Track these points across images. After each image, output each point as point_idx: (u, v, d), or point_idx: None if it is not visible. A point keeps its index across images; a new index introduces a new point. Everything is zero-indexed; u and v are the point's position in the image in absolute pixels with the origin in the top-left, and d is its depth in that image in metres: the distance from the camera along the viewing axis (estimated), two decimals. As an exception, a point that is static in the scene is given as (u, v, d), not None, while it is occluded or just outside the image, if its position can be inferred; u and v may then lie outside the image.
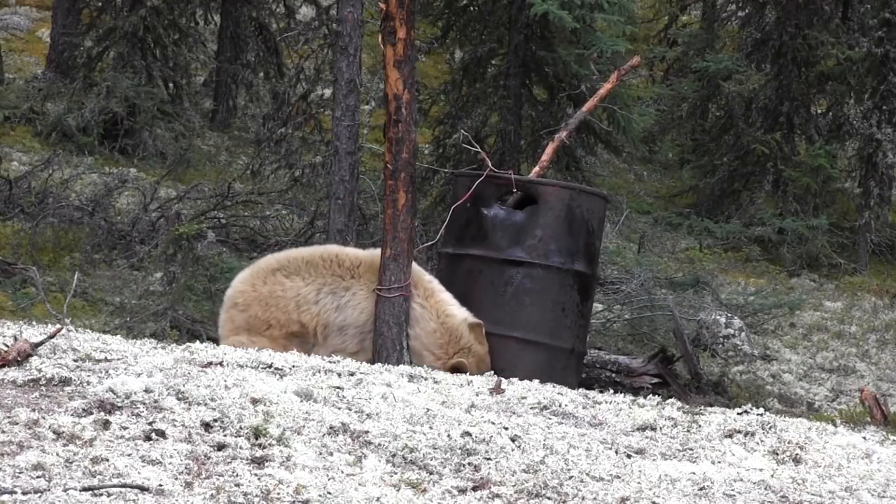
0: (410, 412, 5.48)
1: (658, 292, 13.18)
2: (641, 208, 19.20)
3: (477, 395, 6.17)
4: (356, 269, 8.14)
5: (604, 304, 12.95)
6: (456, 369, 7.82)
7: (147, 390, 5.08)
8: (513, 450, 5.10)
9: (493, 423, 5.45)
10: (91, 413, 4.79)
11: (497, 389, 6.33)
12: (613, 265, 14.15)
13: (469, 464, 4.86)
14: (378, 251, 8.22)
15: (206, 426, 4.82)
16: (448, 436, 5.13)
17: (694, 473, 5.04)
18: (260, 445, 4.70)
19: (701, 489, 4.85)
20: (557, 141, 9.33)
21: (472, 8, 15.22)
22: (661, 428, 5.86)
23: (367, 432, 5.04)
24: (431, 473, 4.71)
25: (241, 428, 4.83)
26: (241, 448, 4.63)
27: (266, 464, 4.50)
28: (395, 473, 4.61)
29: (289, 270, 8.17)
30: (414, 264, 8.10)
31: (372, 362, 7.41)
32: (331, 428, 5.04)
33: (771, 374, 12.88)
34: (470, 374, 7.61)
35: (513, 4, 14.37)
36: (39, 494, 3.93)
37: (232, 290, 8.27)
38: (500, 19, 14.76)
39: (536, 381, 6.89)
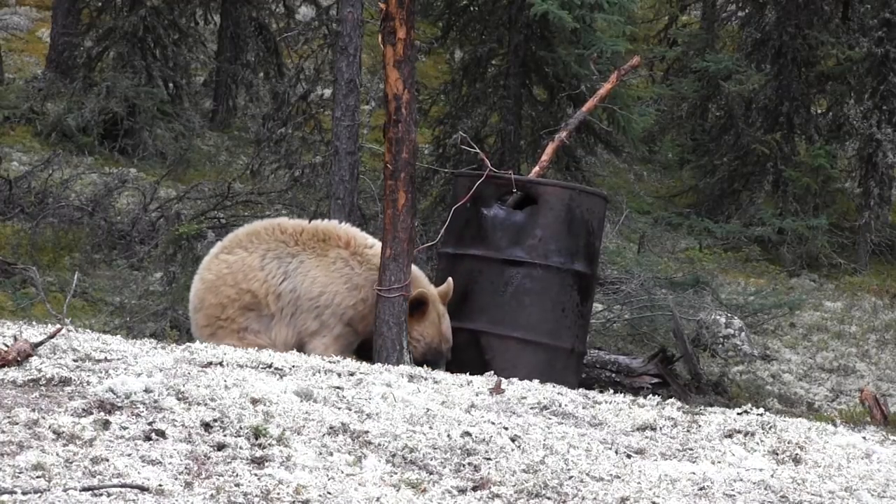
0: (410, 412, 5.48)
1: (658, 292, 13.19)
2: (641, 208, 19.20)
3: (477, 395, 6.17)
4: (299, 236, 8.02)
5: (604, 304, 12.95)
6: (417, 301, 7.84)
7: (147, 390, 5.08)
8: (513, 450, 5.10)
9: (493, 423, 5.45)
10: (91, 413, 4.79)
11: (497, 389, 6.33)
12: (613, 265, 14.15)
13: (469, 464, 4.86)
14: (322, 222, 8.21)
15: (206, 426, 4.82)
16: (448, 436, 5.13)
17: (694, 473, 5.04)
18: (260, 445, 4.70)
19: (701, 489, 4.85)
20: (557, 141, 9.33)
21: (472, 8, 15.22)
22: (661, 428, 5.86)
23: (367, 432, 5.04)
24: (431, 473, 4.71)
25: (241, 428, 4.83)
26: (241, 448, 4.63)
27: (266, 464, 4.50)
28: (395, 473, 4.61)
29: (231, 247, 8.06)
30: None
31: (372, 362, 7.41)
32: (331, 428, 5.04)
33: (771, 374, 12.88)
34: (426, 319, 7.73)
35: (513, 4, 14.38)
36: (39, 494, 3.93)
37: (190, 299, 8.22)
38: (500, 19, 14.76)
39: (536, 381, 6.89)
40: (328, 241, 8.04)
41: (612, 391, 7.29)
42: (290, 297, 7.90)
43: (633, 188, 20.59)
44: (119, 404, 4.93)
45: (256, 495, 4.18)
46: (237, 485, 4.24)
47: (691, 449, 5.51)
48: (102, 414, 4.79)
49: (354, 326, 7.97)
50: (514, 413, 5.84)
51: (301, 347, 7.88)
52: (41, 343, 5.71)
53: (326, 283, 7.94)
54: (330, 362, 6.63)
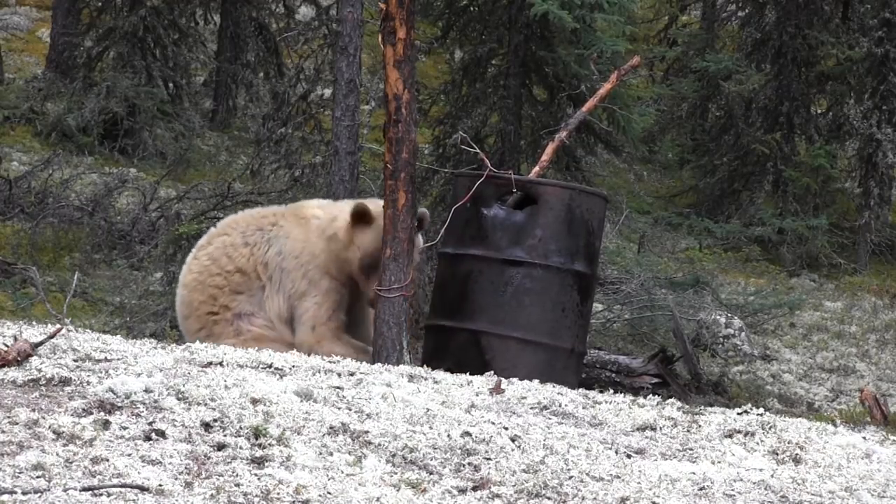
0: (410, 412, 5.48)
1: (658, 292, 13.19)
2: (641, 208, 19.21)
3: (477, 395, 6.17)
4: (279, 212, 8.18)
5: (604, 304, 12.96)
6: (358, 213, 7.89)
7: (147, 390, 5.08)
8: (513, 450, 5.09)
9: (493, 423, 5.45)
10: (91, 413, 4.79)
11: (497, 389, 6.33)
12: (613, 265, 14.15)
13: (469, 464, 4.86)
14: (299, 203, 8.31)
15: (206, 426, 4.82)
16: (448, 436, 5.13)
17: (694, 473, 5.04)
18: (260, 445, 4.70)
19: (701, 489, 4.85)
20: (557, 141, 9.32)
21: (472, 8, 15.21)
22: (661, 428, 5.86)
23: (367, 432, 5.04)
24: (431, 473, 4.71)
25: (241, 428, 4.83)
26: (241, 448, 4.63)
27: (266, 464, 4.50)
28: (395, 473, 4.61)
29: (209, 240, 8.17)
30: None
31: (372, 362, 7.41)
32: (331, 428, 5.04)
33: (771, 374, 12.89)
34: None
35: (513, 4, 14.37)
36: (39, 494, 3.93)
37: (177, 310, 8.27)
38: (500, 19, 14.76)
39: (536, 381, 6.88)
40: (304, 211, 8.18)
41: (612, 391, 7.28)
42: (276, 261, 7.97)
43: (633, 188, 20.59)
44: (119, 404, 4.93)
45: (256, 495, 4.18)
46: (237, 485, 4.25)
47: (691, 449, 5.51)
48: (102, 414, 4.79)
49: (339, 278, 7.95)
50: (514, 413, 5.84)
51: (293, 320, 7.92)
52: (41, 343, 5.71)
53: (305, 239, 8.01)
54: (330, 362, 6.63)
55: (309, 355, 7.56)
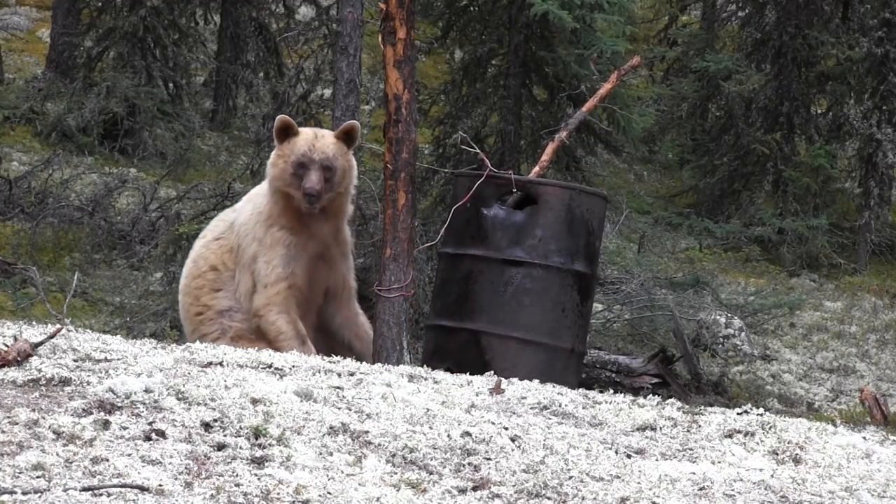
0: (410, 412, 5.48)
1: (658, 292, 13.19)
2: (641, 208, 19.20)
3: (477, 395, 6.17)
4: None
5: (604, 304, 12.95)
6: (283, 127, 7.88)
7: (147, 390, 5.08)
8: (513, 450, 5.10)
9: (493, 423, 5.45)
10: (91, 413, 4.79)
11: (497, 389, 6.33)
12: (613, 265, 14.15)
13: (469, 464, 4.86)
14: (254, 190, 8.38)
15: (206, 426, 4.82)
16: (448, 436, 5.13)
17: (694, 473, 5.04)
18: (260, 445, 4.70)
19: (701, 489, 4.85)
20: (557, 141, 9.32)
21: (472, 8, 15.21)
22: (661, 428, 5.86)
23: (367, 432, 5.04)
24: (431, 473, 4.71)
25: (241, 428, 4.83)
26: (241, 448, 4.63)
27: (266, 464, 4.50)
28: (395, 473, 4.61)
29: (195, 245, 8.34)
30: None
31: (372, 362, 7.41)
32: (331, 428, 5.04)
33: (771, 374, 12.89)
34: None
35: (513, 4, 14.37)
36: (39, 494, 3.93)
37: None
38: (500, 19, 14.76)
39: (536, 381, 6.88)
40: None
41: (612, 391, 7.28)
42: (236, 240, 8.03)
43: (633, 188, 20.59)
44: (119, 404, 4.93)
45: (256, 495, 4.18)
46: (237, 485, 4.25)
47: (691, 449, 5.51)
48: (102, 414, 4.79)
49: (287, 223, 7.90)
50: (514, 413, 5.84)
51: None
52: (41, 343, 5.71)
53: (253, 206, 8.05)
54: (330, 362, 6.63)
55: (253, 319, 7.69)
